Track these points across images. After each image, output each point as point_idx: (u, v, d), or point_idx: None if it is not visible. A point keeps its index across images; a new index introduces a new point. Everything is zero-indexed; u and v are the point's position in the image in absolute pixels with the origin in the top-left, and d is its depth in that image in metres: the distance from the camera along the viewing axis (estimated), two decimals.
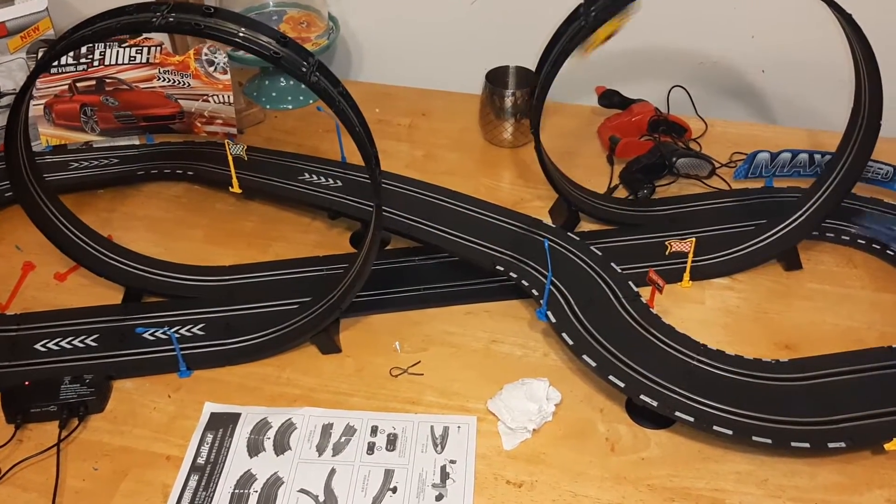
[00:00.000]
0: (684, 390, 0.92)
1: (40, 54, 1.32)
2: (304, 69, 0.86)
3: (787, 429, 0.88)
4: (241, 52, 1.47)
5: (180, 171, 1.32)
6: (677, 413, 0.89)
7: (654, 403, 0.90)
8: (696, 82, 1.49)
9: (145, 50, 1.36)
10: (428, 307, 1.10)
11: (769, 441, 0.87)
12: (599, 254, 1.11)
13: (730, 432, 0.88)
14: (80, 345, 1.04)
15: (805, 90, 1.52)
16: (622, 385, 0.93)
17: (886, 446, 0.89)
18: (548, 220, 1.22)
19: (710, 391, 0.92)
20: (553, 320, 1.01)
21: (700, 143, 1.41)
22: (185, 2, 0.84)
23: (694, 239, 1.09)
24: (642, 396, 0.91)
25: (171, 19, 0.84)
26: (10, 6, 1.30)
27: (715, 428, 0.88)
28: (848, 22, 0.97)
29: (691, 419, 0.89)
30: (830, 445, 0.87)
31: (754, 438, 0.87)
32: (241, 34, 0.84)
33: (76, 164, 1.35)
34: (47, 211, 1.07)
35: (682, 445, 0.93)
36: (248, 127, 1.48)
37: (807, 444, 0.87)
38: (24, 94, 0.93)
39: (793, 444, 0.87)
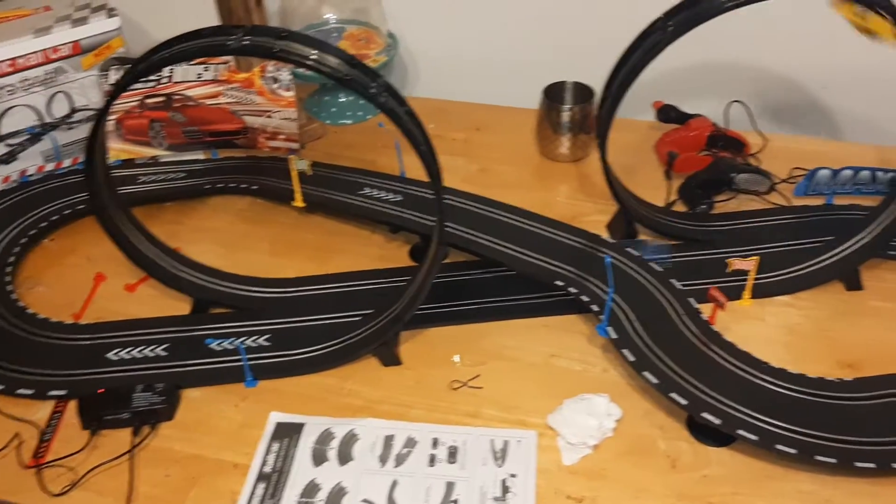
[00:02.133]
0: (747, 408, 0.92)
1: (112, 72, 1.37)
2: (372, 90, 0.88)
3: (851, 448, 0.88)
4: (302, 70, 1.51)
5: (245, 185, 1.35)
6: (740, 431, 0.89)
7: (717, 421, 0.90)
8: (755, 97, 1.48)
9: (212, 67, 1.40)
10: (487, 321, 1.12)
11: (834, 461, 0.87)
12: (660, 269, 1.11)
13: (793, 451, 0.88)
14: (151, 354, 1.08)
15: (870, 105, 1.51)
16: (684, 402, 0.93)
17: None
18: (605, 235, 1.22)
19: (773, 409, 0.92)
20: (614, 336, 1.01)
21: (759, 158, 1.40)
22: (261, 25, 0.87)
23: (757, 258, 1.09)
24: (704, 414, 0.91)
25: (245, 42, 0.86)
26: (84, 25, 1.35)
27: (778, 447, 0.88)
28: None
29: (755, 437, 0.89)
30: (894, 465, 0.86)
31: (818, 458, 0.87)
32: (312, 57, 0.87)
33: (144, 178, 1.39)
34: (119, 223, 1.11)
35: (744, 464, 0.93)
36: (308, 142, 1.51)
37: (872, 465, 0.86)
38: (104, 113, 0.97)
39: (857, 464, 0.86)
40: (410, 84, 1.73)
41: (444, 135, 1.52)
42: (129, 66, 0.94)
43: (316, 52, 0.87)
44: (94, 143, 0.99)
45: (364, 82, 0.88)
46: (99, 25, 1.37)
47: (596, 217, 1.30)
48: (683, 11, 0.99)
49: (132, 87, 1.36)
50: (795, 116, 1.55)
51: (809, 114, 1.54)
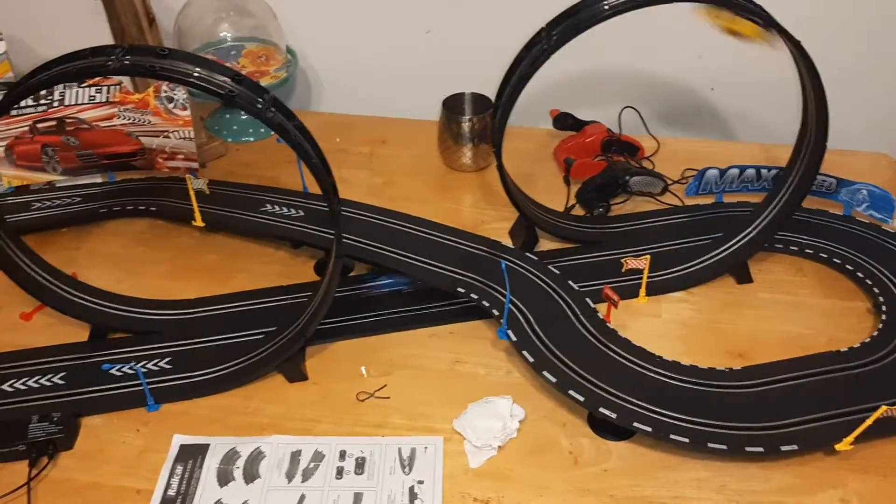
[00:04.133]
0: (642, 401, 0.95)
1: None
2: (259, 105, 0.88)
3: (741, 434, 0.92)
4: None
5: (143, 207, 1.33)
6: (635, 424, 0.92)
7: (613, 416, 0.93)
8: (647, 103, 1.53)
9: (105, 89, 1.38)
10: (392, 331, 1.12)
11: (724, 447, 0.90)
12: (557, 272, 1.14)
13: (686, 440, 0.91)
14: (48, 383, 1.05)
15: (754, 105, 1.58)
16: (582, 399, 0.95)
17: (837, 447, 0.92)
18: (508, 242, 1.25)
19: (667, 401, 0.95)
20: (513, 339, 1.03)
21: (653, 161, 1.45)
22: (140, 44, 0.86)
23: (649, 256, 1.12)
24: (601, 409, 0.94)
25: (126, 62, 0.85)
26: None
27: (672, 436, 0.91)
28: (796, 48, 1.01)
29: (649, 429, 0.92)
30: (783, 448, 0.90)
31: (710, 445, 0.90)
32: (195, 74, 0.86)
33: (38, 204, 1.35)
34: (9, 251, 1.08)
35: (643, 456, 0.96)
36: (209, 160, 1.50)
37: (761, 449, 0.90)
38: None
39: (747, 448, 0.90)
40: (315, 100, 1.74)
41: (350, 149, 1.53)
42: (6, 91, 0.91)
43: (198, 69, 0.86)
44: None
45: (250, 98, 0.88)
46: None
47: (499, 224, 1.32)
48: (565, 21, 1.02)
49: (22, 112, 1.34)
50: (687, 119, 1.61)
51: (700, 116, 1.60)
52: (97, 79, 1.36)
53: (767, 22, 0.99)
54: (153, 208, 1.33)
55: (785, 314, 1.15)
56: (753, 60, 1.48)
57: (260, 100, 0.89)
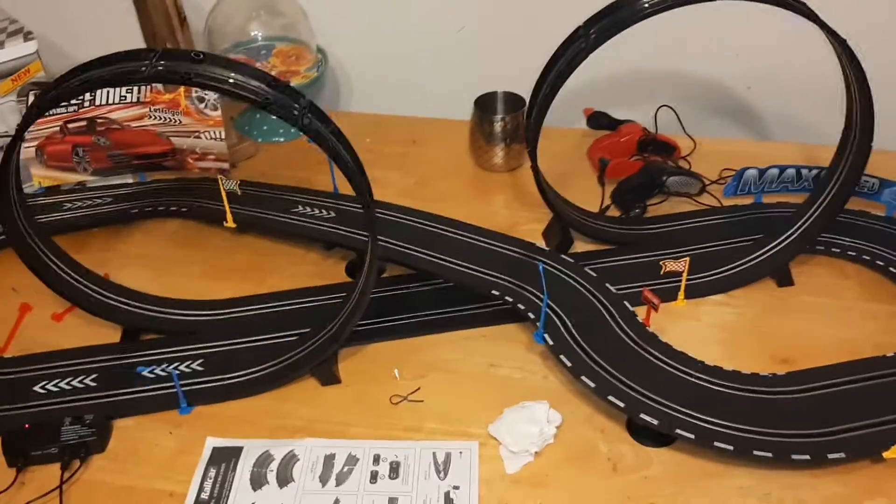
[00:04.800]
0: (684, 407, 0.92)
1: (31, 97, 1.33)
2: (295, 112, 0.87)
3: (787, 442, 0.89)
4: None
5: (174, 208, 1.33)
6: (678, 431, 0.90)
7: (655, 422, 0.91)
8: (683, 101, 1.51)
9: (136, 89, 1.37)
10: (425, 334, 1.11)
11: (770, 455, 0.88)
12: (594, 275, 1.11)
13: (731, 448, 0.88)
14: (80, 385, 1.04)
15: (793, 104, 1.54)
16: (622, 405, 0.93)
17: (885, 454, 0.89)
18: (541, 243, 1.23)
19: (710, 407, 0.93)
20: (551, 342, 1.01)
21: (689, 161, 1.42)
22: (175, 48, 0.85)
23: (688, 258, 1.10)
24: (642, 415, 0.91)
25: (160, 68, 0.84)
26: (0, 49, 1.31)
27: (716, 444, 0.89)
28: (842, 46, 0.98)
29: (692, 436, 0.90)
30: (830, 457, 0.88)
31: (755, 453, 0.88)
32: (230, 81, 0.85)
33: (70, 205, 1.35)
34: (40, 253, 1.07)
35: (684, 463, 0.93)
36: (240, 161, 1.49)
37: (807, 457, 0.88)
38: (14, 144, 0.93)
39: (793, 456, 0.88)
40: (344, 99, 1.72)
41: (380, 149, 1.51)
42: (33, 100, 0.90)
43: (234, 75, 0.85)
44: (6, 174, 0.95)
45: (287, 104, 0.87)
46: (15, 50, 1.33)
47: (532, 225, 1.30)
48: (604, 19, 1.00)
49: (53, 112, 1.33)
50: (723, 119, 1.58)
51: (737, 115, 1.57)
52: None
53: (811, 19, 0.97)
54: (184, 209, 1.32)
55: (828, 318, 1.12)
56: (791, 59, 1.45)
57: (296, 105, 0.88)
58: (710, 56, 1.50)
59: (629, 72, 1.52)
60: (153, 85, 1.36)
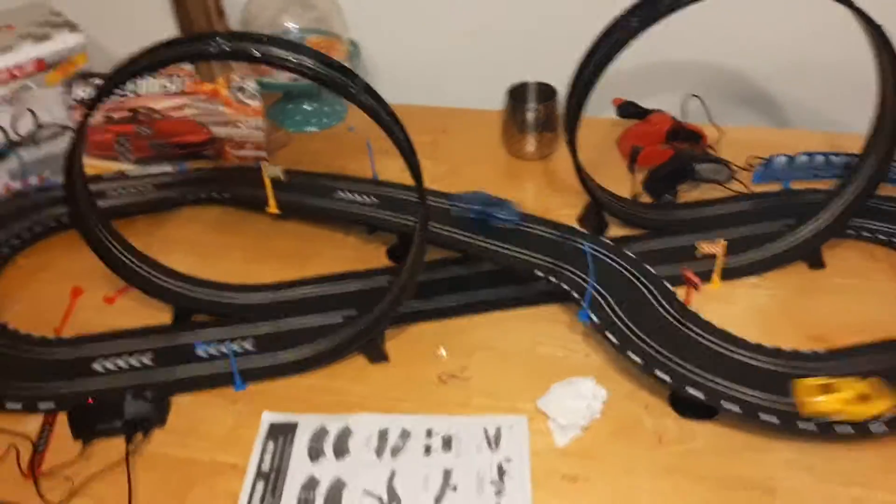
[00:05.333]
0: (728, 381, 0.95)
1: (76, 88, 1.36)
2: (352, 90, 0.90)
3: None
4: (267, 78, 1.52)
5: (215, 195, 1.36)
6: (723, 403, 0.93)
7: (701, 395, 0.94)
8: (709, 91, 1.54)
9: (176, 79, 1.40)
10: (469, 315, 1.14)
11: (813, 427, 0.91)
12: (634, 256, 1.15)
13: (776, 420, 0.92)
14: (137, 363, 1.08)
15: (818, 94, 1.57)
16: (668, 379, 0.96)
17: None
18: (578, 227, 1.26)
19: (753, 382, 0.96)
20: (596, 321, 1.05)
21: (715, 149, 1.45)
22: (236, 31, 0.88)
23: (724, 241, 1.13)
24: (689, 388, 0.95)
25: (226, 48, 0.88)
26: (47, 41, 1.34)
27: (761, 416, 0.92)
28: (877, 33, 1.01)
29: (737, 408, 0.93)
30: (872, 428, 0.91)
31: (799, 425, 0.91)
32: (293, 59, 0.88)
33: (112, 193, 1.38)
34: (101, 236, 1.11)
35: (729, 437, 0.96)
36: (274, 150, 1.52)
37: (850, 430, 0.91)
38: (83, 124, 0.97)
39: (836, 429, 0.91)
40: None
41: (412, 138, 1.54)
42: (108, 75, 0.94)
43: (294, 55, 0.88)
44: (74, 156, 0.99)
45: (343, 82, 0.90)
46: (62, 41, 1.36)
47: (565, 210, 1.33)
48: (647, 6, 1.03)
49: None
50: (750, 108, 1.61)
51: (762, 104, 1.60)
52: (169, 69, 1.39)
53: (846, 3, 1.00)
54: (226, 195, 1.36)
55: (861, 299, 1.15)
56: (817, 48, 1.48)
57: (352, 84, 0.91)
58: (736, 46, 1.53)
59: (657, 62, 1.55)
60: (194, 75, 1.39)
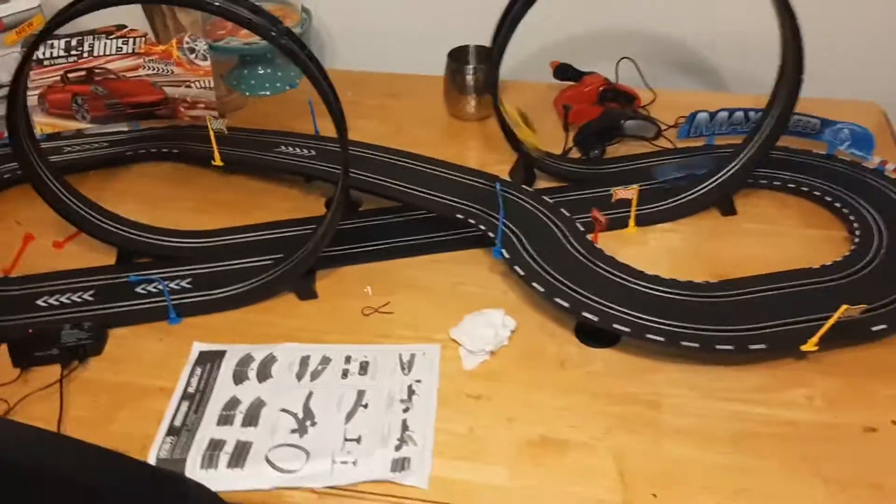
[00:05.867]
0: (622, 307, 1.02)
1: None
2: (273, 33, 0.97)
3: (713, 335, 0.99)
4: (221, 43, 1.59)
5: (166, 150, 1.43)
6: (615, 325, 1.00)
7: (595, 318, 1.01)
8: (646, 57, 1.60)
9: (131, 41, 1.47)
10: (397, 258, 1.21)
11: (697, 345, 0.98)
12: (551, 201, 1.21)
13: (662, 339, 0.98)
14: (78, 299, 1.14)
15: (750, 60, 1.64)
16: (567, 305, 1.03)
17: (803, 348, 0.99)
18: (507, 179, 1.33)
19: (646, 308, 1.03)
20: (507, 256, 1.11)
21: (649, 109, 1.52)
22: None
23: (637, 186, 1.20)
24: (584, 313, 1.01)
25: None
26: (5, 3, 1.41)
27: (648, 336, 0.99)
28: None
29: (628, 330, 1.00)
30: (751, 347, 0.98)
31: (683, 343, 0.98)
32: (217, 3, 0.95)
33: (69, 149, 1.45)
34: (50, 184, 1.17)
35: (625, 360, 1.03)
36: (229, 112, 1.59)
37: (731, 347, 0.98)
38: (20, 73, 1.03)
39: (717, 346, 0.98)
40: (329, 57, 1.82)
41: (362, 101, 1.61)
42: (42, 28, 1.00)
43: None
44: (15, 110, 1.05)
45: (265, 26, 0.97)
46: (20, 3, 1.42)
47: (501, 166, 1.39)
48: None
49: (54, 62, 1.43)
50: (685, 73, 1.67)
51: (698, 70, 1.67)
52: (124, 30, 1.45)
53: None
54: (175, 151, 1.42)
55: (767, 241, 1.22)
56: (750, 16, 1.55)
57: (274, 28, 0.98)
58: (672, 12, 1.59)
59: (597, 29, 1.62)
60: (147, 36, 1.46)
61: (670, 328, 1.00)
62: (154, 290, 1.15)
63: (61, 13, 0.99)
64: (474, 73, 1.49)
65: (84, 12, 0.97)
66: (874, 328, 1.00)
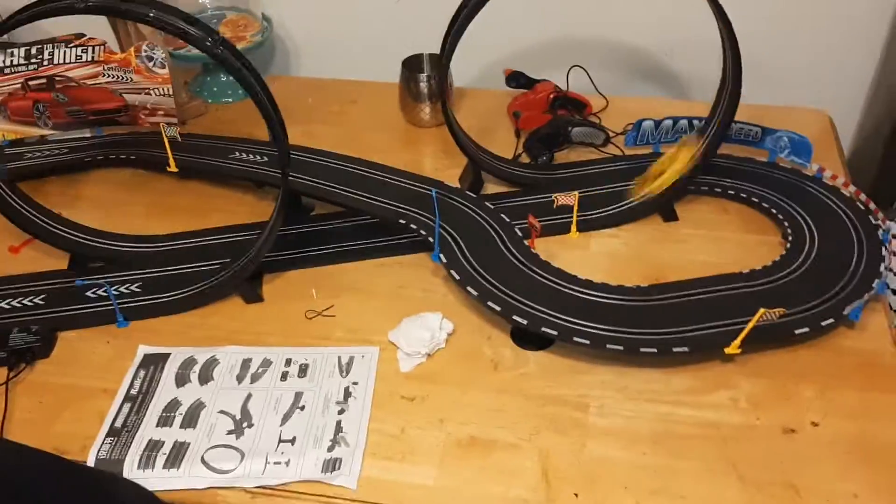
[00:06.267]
0: (553, 311, 1.05)
1: None
2: (208, 42, 1.00)
3: (638, 338, 1.02)
4: (183, 51, 1.61)
5: (124, 157, 1.45)
6: (543, 329, 1.03)
7: (524, 322, 1.04)
8: (600, 65, 1.63)
9: (90, 49, 1.49)
10: (344, 262, 1.23)
11: (621, 348, 1.01)
12: (492, 207, 1.24)
13: (587, 342, 1.01)
14: (29, 303, 1.17)
15: (706, 67, 1.66)
16: (499, 309, 1.06)
17: (726, 350, 1.02)
18: (455, 185, 1.35)
19: (576, 312, 1.05)
20: (444, 260, 1.14)
21: (600, 116, 1.55)
22: None
23: (577, 193, 1.22)
24: (515, 316, 1.04)
25: (90, 3, 0.97)
26: None
27: (575, 339, 1.01)
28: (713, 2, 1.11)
29: (555, 333, 1.02)
30: (675, 350, 1.00)
31: (608, 346, 1.01)
32: (151, 14, 0.98)
33: (30, 155, 1.47)
34: (3, 193, 1.20)
35: (557, 363, 1.06)
36: (190, 118, 1.62)
37: (654, 350, 1.00)
38: None
39: (642, 349, 1.00)
40: (293, 66, 1.85)
41: (321, 107, 1.64)
42: None
43: (154, 10, 0.98)
44: None
45: (201, 37, 0.99)
46: None
47: (453, 171, 1.42)
48: None
49: (15, 70, 1.46)
50: (644, 82, 1.70)
51: (653, 78, 1.70)
52: (83, 39, 1.47)
53: None
54: (133, 157, 1.45)
55: (704, 247, 1.24)
56: (705, 22, 1.57)
57: (210, 38, 1.00)
58: (627, 20, 1.62)
59: (551, 38, 1.65)
60: (106, 45, 1.48)
61: (596, 331, 1.02)
62: (104, 293, 1.17)
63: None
64: (427, 80, 1.52)
65: (25, 22, 1.00)
66: (797, 331, 1.03)
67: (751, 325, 0.99)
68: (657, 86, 1.73)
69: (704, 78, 1.67)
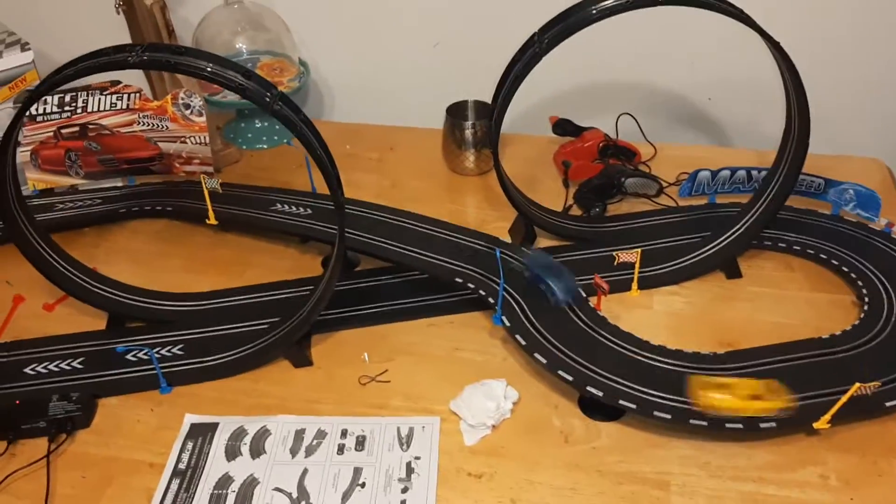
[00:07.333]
0: (628, 381, 0.99)
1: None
2: (267, 98, 0.95)
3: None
4: (218, 97, 1.57)
5: (160, 208, 1.40)
6: (621, 401, 0.97)
7: (600, 394, 0.98)
8: (646, 111, 1.58)
9: (126, 96, 1.45)
10: (394, 321, 1.18)
11: (705, 423, 0.94)
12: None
13: (669, 416, 0.95)
14: (67, 367, 1.11)
15: (750, 113, 1.62)
16: (571, 379, 1.00)
17: (815, 425, 0.96)
18: (507, 238, 1.30)
19: (652, 382, 1.00)
20: (507, 324, 1.08)
21: (650, 165, 1.50)
22: (159, 42, 0.92)
23: (640, 250, 1.17)
24: (589, 388, 0.98)
25: (145, 57, 0.92)
26: None
27: (655, 413, 0.95)
28: (776, 48, 1.06)
29: (634, 406, 0.96)
30: (762, 426, 0.94)
31: (691, 422, 0.95)
32: (209, 69, 0.93)
33: (62, 206, 1.42)
34: (38, 246, 1.14)
35: (631, 436, 1.00)
36: (225, 166, 1.57)
37: (740, 425, 0.94)
38: (10, 134, 1.01)
39: (727, 425, 0.94)
40: (327, 110, 1.81)
41: (359, 154, 1.60)
42: (37, 85, 0.98)
43: (212, 64, 0.93)
44: (4, 171, 1.03)
45: (259, 92, 0.95)
46: (13, 59, 1.41)
47: (500, 223, 1.37)
48: (556, 25, 1.08)
49: (47, 118, 1.41)
50: (685, 127, 1.66)
51: (697, 124, 1.65)
52: (119, 86, 1.43)
53: (745, 22, 1.05)
54: (169, 208, 1.40)
55: (773, 306, 1.19)
56: (748, 68, 1.54)
57: (268, 94, 0.96)
58: (669, 66, 1.58)
59: (595, 83, 1.61)
60: (142, 92, 1.44)
61: (676, 404, 0.96)
62: (144, 356, 1.12)
63: (48, 79, 0.97)
64: (472, 128, 1.47)
65: (73, 77, 0.95)
66: (888, 403, 0.97)
67: (844, 399, 0.93)
68: (699, 132, 1.69)
69: (748, 123, 1.63)
